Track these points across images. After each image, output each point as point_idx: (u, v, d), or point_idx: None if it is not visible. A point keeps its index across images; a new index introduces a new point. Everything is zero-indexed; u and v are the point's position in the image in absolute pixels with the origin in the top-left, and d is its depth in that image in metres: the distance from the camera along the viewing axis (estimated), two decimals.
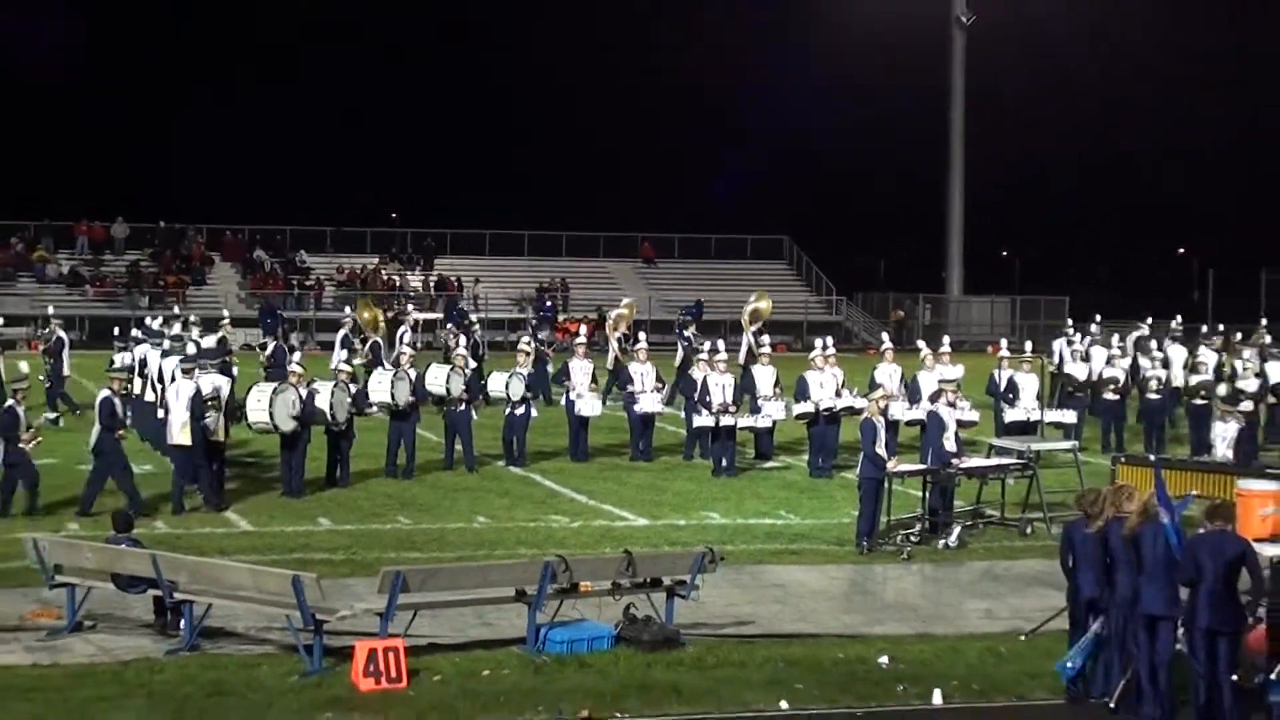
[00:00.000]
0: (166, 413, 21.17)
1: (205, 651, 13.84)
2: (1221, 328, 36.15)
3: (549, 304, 45.86)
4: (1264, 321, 37.08)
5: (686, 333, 35.16)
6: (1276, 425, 28.46)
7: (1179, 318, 35.46)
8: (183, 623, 14.10)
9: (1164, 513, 12.42)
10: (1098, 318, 36.13)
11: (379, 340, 31.52)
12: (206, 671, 13.15)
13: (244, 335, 43.04)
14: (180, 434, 20.70)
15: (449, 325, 37.31)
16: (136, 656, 13.69)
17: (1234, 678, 11.98)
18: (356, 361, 23.65)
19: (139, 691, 12.58)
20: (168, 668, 13.30)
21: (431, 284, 64.28)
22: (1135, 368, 29.59)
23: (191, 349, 25.31)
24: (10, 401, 20.36)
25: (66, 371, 32.07)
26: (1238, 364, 28.75)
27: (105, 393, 20.70)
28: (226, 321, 32.96)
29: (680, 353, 34.17)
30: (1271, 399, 28.23)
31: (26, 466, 20.17)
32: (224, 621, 14.54)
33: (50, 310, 37.54)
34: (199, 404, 20.83)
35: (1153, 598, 12.23)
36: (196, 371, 21.36)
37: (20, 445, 19.95)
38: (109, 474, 20.40)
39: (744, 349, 27.81)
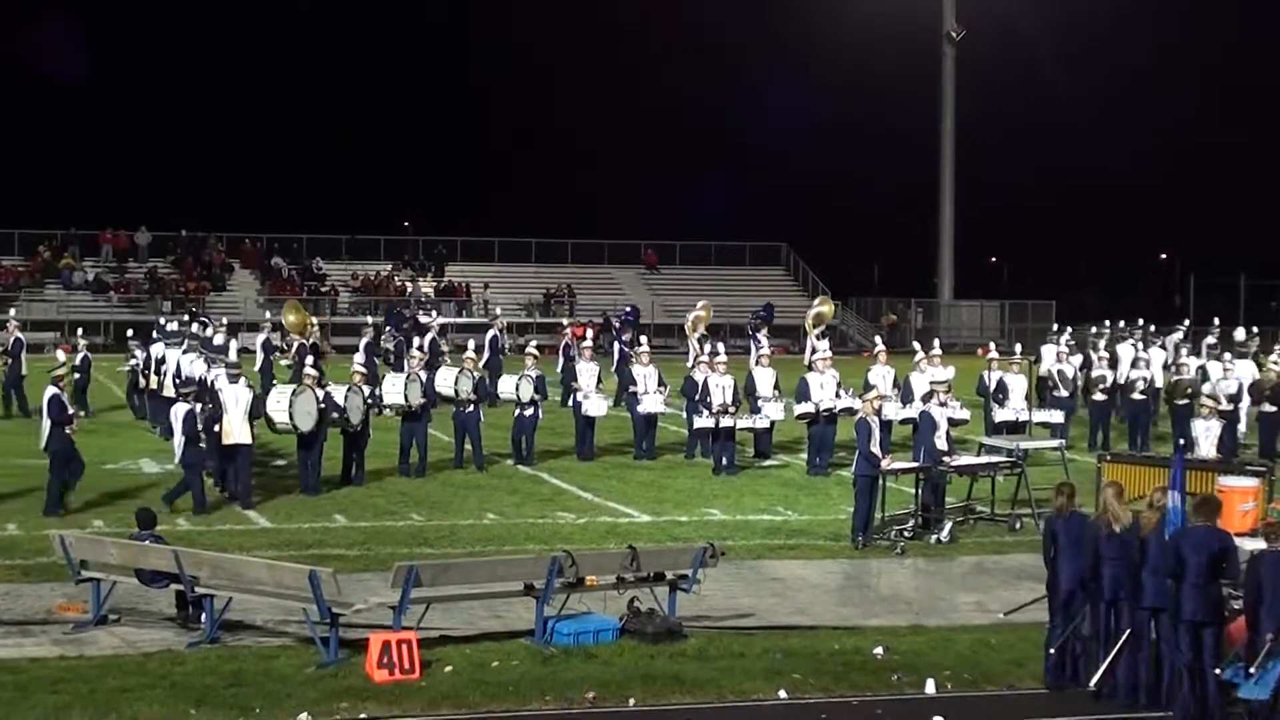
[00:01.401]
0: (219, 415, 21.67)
1: (225, 644, 14.01)
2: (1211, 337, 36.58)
3: (631, 307, 45.78)
4: (1218, 320, 37.55)
5: (759, 335, 35.36)
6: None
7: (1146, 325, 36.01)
8: (204, 616, 14.28)
9: (1174, 496, 12.83)
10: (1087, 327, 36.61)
11: (304, 342, 31.52)
12: (226, 663, 13.35)
13: (256, 338, 43.54)
14: (241, 433, 21.36)
15: (388, 328, 37.32)
16: (159, 649, 13.87)
17: (1216, 671, 12.25)
18: (284, 363, 23.96)
19: (162, 682, 12.74)
20: (189, 659, 13.49)
21: (443, 289, 64.76)
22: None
23: (230, 348, 25.83)
24: (188, 406, 20.96)
25: (24, 371, 32.61)
26: (1218, 365, 29.11)
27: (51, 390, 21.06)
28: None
29: (754, 354, 33.92)
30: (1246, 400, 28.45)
31: (199, 468, 20.90)
32: (243, 615, 14.70)
33: (11, 313, 38.14)
34: (259, 406, 21.66)
35: (1157, 591, 12.55)
36: (243, 378, 21.97)
37: (200, 445, 20.76)
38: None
39: (807, 352, 27.98)
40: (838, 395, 25.34)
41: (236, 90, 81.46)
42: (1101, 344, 32.08)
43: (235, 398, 21.52)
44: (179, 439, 20.77)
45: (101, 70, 77.56)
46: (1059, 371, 29.24)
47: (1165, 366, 29.65)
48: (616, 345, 32.51)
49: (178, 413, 21.01)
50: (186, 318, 37.11)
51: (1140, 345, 32.35)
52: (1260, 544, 12.62)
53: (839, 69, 77.09)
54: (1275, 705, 11.87)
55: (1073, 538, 13.14)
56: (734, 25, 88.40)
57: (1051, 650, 13.24)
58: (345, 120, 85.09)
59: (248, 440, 21.57)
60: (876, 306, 69.17)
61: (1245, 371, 28.59)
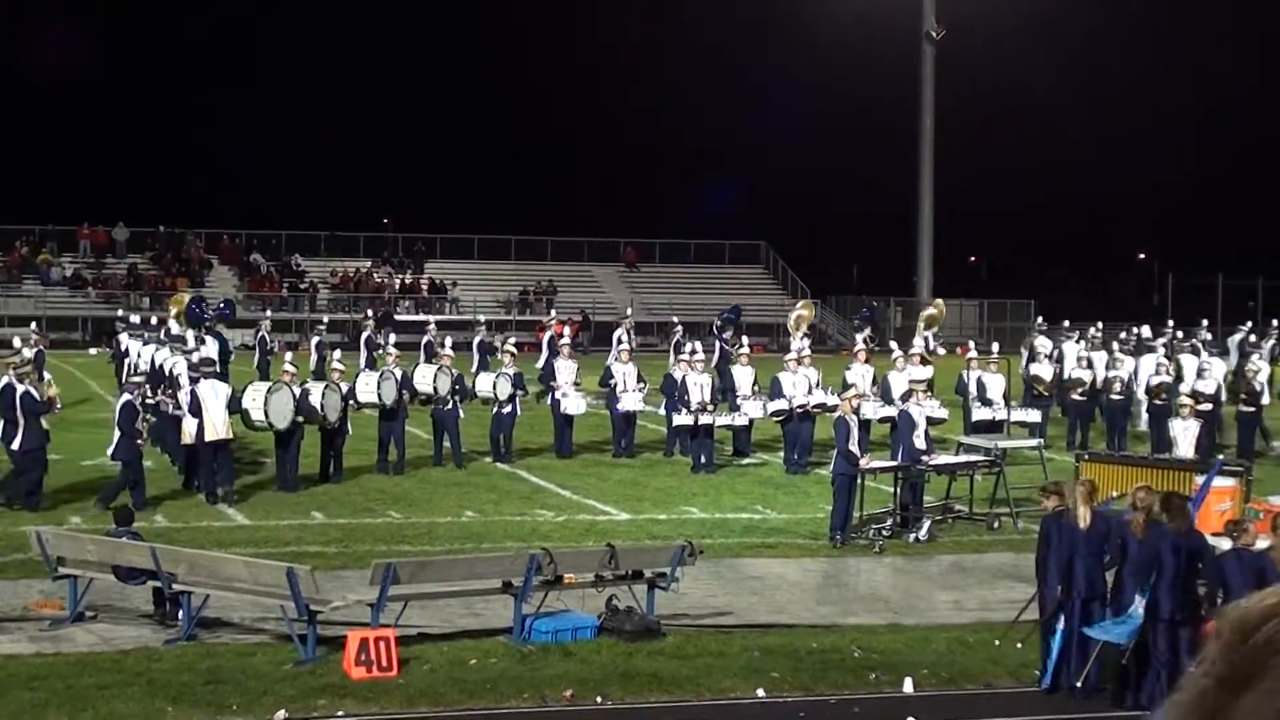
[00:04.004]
0: (194, 412, 21.58)
1: (203, 641, 13.98)
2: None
3: (733, 306, 44.99)
4: (1276, 322, 37.81)
5: (861, 335, 35.35)
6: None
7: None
8: (181, 613, 14.25)
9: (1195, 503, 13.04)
10: (1066, 323, 36.75)
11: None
12: (204, 660, 13.31)
13: (240, 335, 43.46)
14: (223, 429, 21.32)
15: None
16: (136, 646, 13.85)
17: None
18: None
19: (139, 679, 12.70)
20: (166, 656, 13.46)
21: (423, 286, 64.73)
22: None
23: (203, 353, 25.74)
24: (128, 396, 20.98)
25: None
26: (1196, 364, 29.27)
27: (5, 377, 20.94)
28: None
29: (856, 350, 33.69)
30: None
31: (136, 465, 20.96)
32: (221, 612, 14.69)
33: (31, 325, 38.14)
34: (236, 402, 21.58)
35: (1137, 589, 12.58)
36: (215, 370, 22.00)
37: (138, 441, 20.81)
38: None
39: (917, 350, 28.07)
40: (810, 392, 25.38)
41: (216, 87, 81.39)
42: (1080, 345, 32.14)
43: (214, 392, 21.43)
44: (116, 432, 20.69)
45: (80, 67, 77.37)
46: (1035, 375, 29.38)
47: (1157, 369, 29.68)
48: (717, 343, 32.63)
49: (117, 404, 20.96)
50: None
51: (1117, 347, 32.43)
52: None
53: (819, 68, 77.39)
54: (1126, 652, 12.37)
55: (1066, 538, 13.15)
56: (714, 26, 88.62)
57: (1052, 653, 13.25)
58: (325, 116, 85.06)
59: (229, 435, 21.62)
60: (856, 305, 69.23)
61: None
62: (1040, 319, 40.08)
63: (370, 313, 46.28)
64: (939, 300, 34.90)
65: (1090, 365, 30.29)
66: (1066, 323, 36.31)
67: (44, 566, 15.12)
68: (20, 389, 20.49)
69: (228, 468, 21.84)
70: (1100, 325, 37.18)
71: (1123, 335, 35.14)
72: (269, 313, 42.09)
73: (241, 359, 34.65)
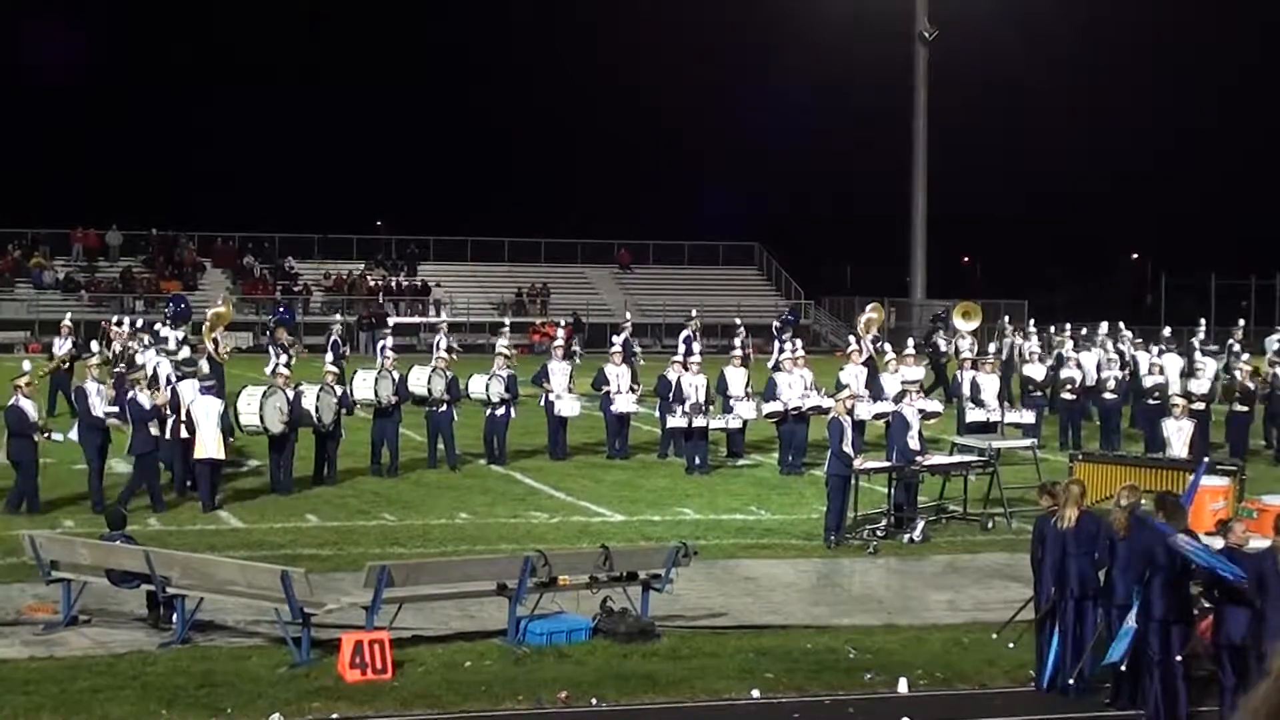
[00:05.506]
0: (189, 426, 21.41)
1: (196, 644, 14.00)
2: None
3: (791, 310, 44.79)
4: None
5: (938, 339, 35.36)
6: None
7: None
8: (175, 616, 14.27)
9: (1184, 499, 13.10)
10: (1047, 324, 36.88)
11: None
12: (198, 663, 13.33)
13: (235, 339, 43.50)
14: (215, 449, 21.02)
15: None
16: (130, 649, 13.86)
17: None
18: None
19: (132, 683, 12.73)
20: (160, 660, 13.49)
21: (417, 288, 64.76)
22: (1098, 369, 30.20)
23: (198, 363, 25.74)
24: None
25: None
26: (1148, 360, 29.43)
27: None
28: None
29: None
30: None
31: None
32: (215, 615, 14.69)
33: None
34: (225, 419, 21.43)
35: (1126, 589, 12.63)
36: (215, 389, 21.83)
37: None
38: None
39: (970, 352, 28.33)
40: (805, 394, 25.39)
41: (208, 89, 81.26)
42: (1070, 344, 32.18)
43: (205, 410, 21.10)
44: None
45: (71, 70, 77.23)
46: (1028, 376, 29.41)
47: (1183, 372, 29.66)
48: (776, 345, 32.76)
49: (142, 402, 20.80)
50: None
51: (1110, 346, 32.49)
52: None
53: (813, 69, 77.33)
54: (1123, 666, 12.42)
55: (1059, 538, 13.17)
56: (708, 26, 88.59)
57: (1048, 655, 13.25)
58: (318, 118, 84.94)
59: (219, 455, 21.16)
60: (849, 306, 69.27)
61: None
62: (1007, 318, 40.26)
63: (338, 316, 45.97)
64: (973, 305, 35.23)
65: (1062, 363, 30.38)
66: (1031, 323, 36.46)
67: (37, 570, 15.09)
68: (129, 395, 20.74)
69: (209, 485, 21.31)
70: (1052, 326, 37.29)
71: (1068, 329, 35.12)
72: (340, 316, 41.96)
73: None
